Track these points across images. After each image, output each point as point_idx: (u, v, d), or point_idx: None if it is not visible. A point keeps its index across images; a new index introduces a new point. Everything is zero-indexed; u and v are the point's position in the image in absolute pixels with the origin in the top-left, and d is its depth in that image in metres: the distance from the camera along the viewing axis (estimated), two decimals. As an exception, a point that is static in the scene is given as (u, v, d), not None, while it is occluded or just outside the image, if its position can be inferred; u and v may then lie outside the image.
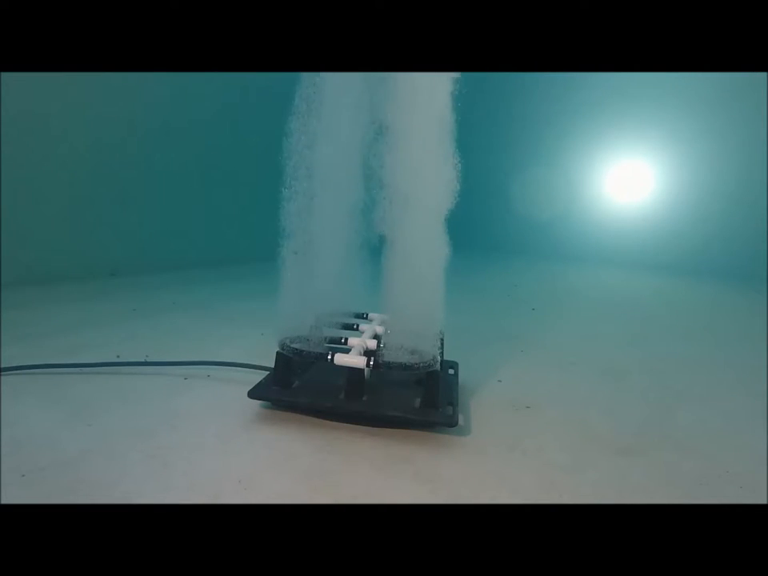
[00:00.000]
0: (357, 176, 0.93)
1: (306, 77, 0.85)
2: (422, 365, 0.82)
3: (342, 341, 0.92)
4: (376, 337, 0.94)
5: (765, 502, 0.67)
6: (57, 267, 2.03)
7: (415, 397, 0.87)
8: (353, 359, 0.83)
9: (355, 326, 1.01)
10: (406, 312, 0.86)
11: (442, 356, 0.90)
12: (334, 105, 0.87)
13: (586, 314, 1.91)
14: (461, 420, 0.84)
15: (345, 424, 0.84)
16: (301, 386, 0.92)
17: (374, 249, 0.97)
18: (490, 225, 4.14)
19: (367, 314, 1.05)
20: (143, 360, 1.10)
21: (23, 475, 0.65)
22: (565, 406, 0.97)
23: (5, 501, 0.59)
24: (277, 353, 0.89)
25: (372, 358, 0.83)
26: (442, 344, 0.93)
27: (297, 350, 0.87)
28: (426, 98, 0.80)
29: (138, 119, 2.36)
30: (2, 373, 0.99)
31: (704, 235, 3.29)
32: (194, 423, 0.83)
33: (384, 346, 0.87)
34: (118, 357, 1.12)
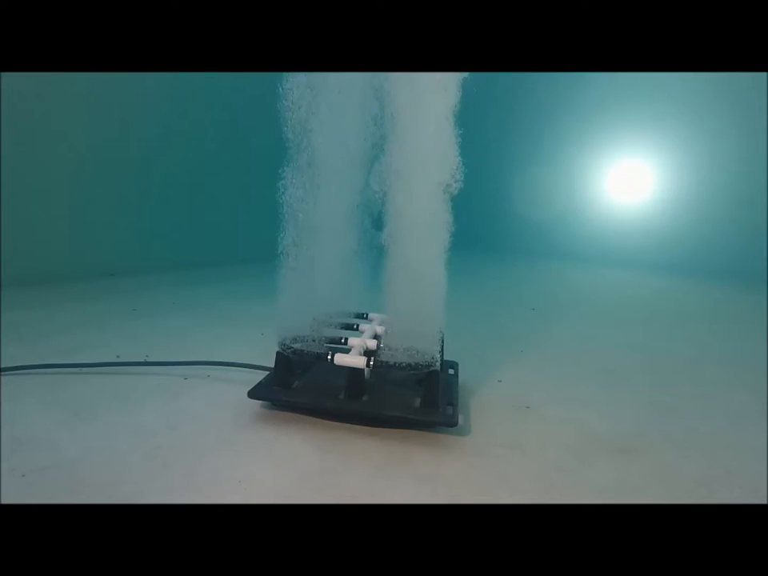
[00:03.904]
0: (357, 175, 0.93)
1: (304, 76, 0.85)
2: (421, 365, 0.82)
3: (342, 341, 0.92)
4: (376, 337, 0.94)
5: (765, 501, 0.67)
6: (57, 267, 2.03)
7: (415, 397, 0.87)
8: (353, 359, 0.83)
9: (355, 326, 1.01)
10: (406, 312, 0.86)
11: (442, 356, 0.90)
12: (334, 104, 0.87)
13: (586, 314, 1.91)
14: (461, 420, 0.84)
15: (345, 424, 0.84)
16: (301, 386, 0.91)
17: (375, 248, 0.97)
18: (490, 225, 4.14)
19: (367, 314, 1.05)
20: (143, 360, 1.10)
21: (23, 475, 0.65)
22: (565, 406, 0.97)
23: (5, 501, 0.59)
24: (277, 353, 0.89)
25: (372, 358, 0.83)
26: (442, 344, 0.93)
27: (297, 350, 0.87)
28: (427, 97, 0.80)
29: (138, 119, 2.36)
30: (2, 373, 0.99)
31: (704, 235, 3.29)
32: (194, 423, 0.83)
33: (384, 346, 0.87)
34: (117, 357, 1.12)
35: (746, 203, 3.13)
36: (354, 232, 0.96)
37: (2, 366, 1.01)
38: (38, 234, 2.01)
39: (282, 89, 0.83)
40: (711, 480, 0.72)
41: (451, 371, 1.02)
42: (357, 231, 0.96)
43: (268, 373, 0.96)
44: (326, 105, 0.86)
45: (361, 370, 0.85)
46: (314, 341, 0.90)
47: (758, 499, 0.68)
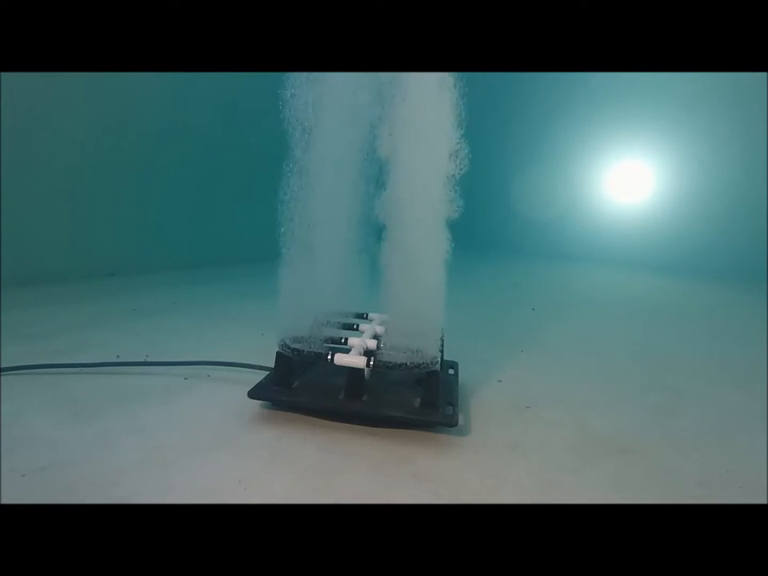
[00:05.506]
0: (357, 175, 0.93)
1: (304, 76, 0.85)
2: (421, 365, 0.82)
3: (342, 341, 0.92)
4: (376, 337, 0.94)
5: (765, 501, 0.67)
6: (57, 267, 2.03)
7: (415, 397, 0.87)
8: (353, 359, 0.83)
9: (355, 326, 1.01)
10: (406, 312, 0.86)
11: (442, 356, 0.90)
12: (333, 104, 0.87)
13: (585, 313, 1.91)
14: (461, 420, 0.84)
15: (345, 424, 0.84)
16: (301, 386, 0.91)
17: (374, 248, 0.97)
18: (490, 225, 4.14)
19: (367, 314, 1.05)
20: (143, 360, 1.10)
21: (23, 475, 0.65)
22: (565, 405, 0.97)
23: (5, 501, 0.59)
24: (277, 353, 0.89)
25: (372, 358, 0.83)
26: (442, 344, 0.93)
27: (297, 349, 0.87)
28: (427, 97, 0.80)
29: (138, 119, 2.36)
30: (2, 373, 0.99)
31: (704, 235, 3.29)
32: (194, 423, 0.83)
33: (384, 346, 0.87)
34: (117, 357, 1.12)
35: (746, 203, 3.13)
36: (354, 231, 0.96)
37: (2, 366, 1.01)
38: (37, 234, 2.01)
39: (284, 87, 0.83)
40: (711, 480, 0.72)
41: (451, 371, 1.02)
42: (357, 230, 0.96)
43: (268, 373, 0.96)
44: (327, 102, 0.86)
45: (361, 370, 0.85)
46: (314, 341, 0.90)
47: (758, 499, 0.68)
